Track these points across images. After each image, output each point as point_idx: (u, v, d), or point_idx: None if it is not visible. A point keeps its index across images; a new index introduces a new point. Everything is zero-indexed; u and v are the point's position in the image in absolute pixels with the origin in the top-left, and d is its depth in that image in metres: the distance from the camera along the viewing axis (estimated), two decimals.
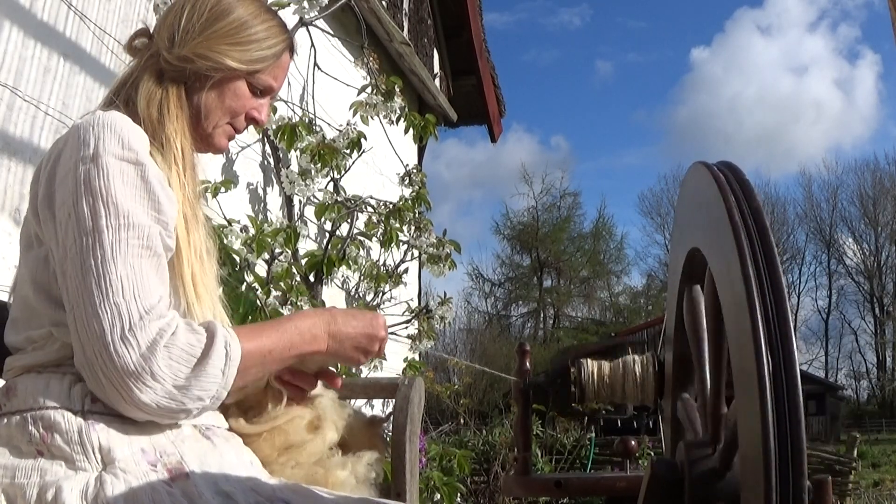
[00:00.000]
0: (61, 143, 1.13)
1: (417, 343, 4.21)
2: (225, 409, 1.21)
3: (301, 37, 3.64)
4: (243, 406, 1.24)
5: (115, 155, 1.08)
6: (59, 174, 1.09)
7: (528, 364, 1.48)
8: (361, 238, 3.87)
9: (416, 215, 4.07)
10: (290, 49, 1.31)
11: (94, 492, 0.97)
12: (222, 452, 1.10)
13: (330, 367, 1.29)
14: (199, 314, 1.14)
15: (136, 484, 0.98)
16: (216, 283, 1.22)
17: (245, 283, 3.00)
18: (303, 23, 3.49)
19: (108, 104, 1.21)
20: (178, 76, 1.21)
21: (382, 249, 4.00)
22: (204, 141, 1.26)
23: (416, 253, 4.24)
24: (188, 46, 1.21)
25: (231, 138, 1.30)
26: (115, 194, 1.05)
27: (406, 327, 4.22)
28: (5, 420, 1.07)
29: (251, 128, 1.40)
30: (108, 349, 0.99)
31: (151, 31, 1.27)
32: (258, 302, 3.02)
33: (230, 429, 1.20)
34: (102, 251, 1.03)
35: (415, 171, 4.15)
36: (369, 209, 3.90)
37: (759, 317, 0.82)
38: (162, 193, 1.10)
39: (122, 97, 1.21)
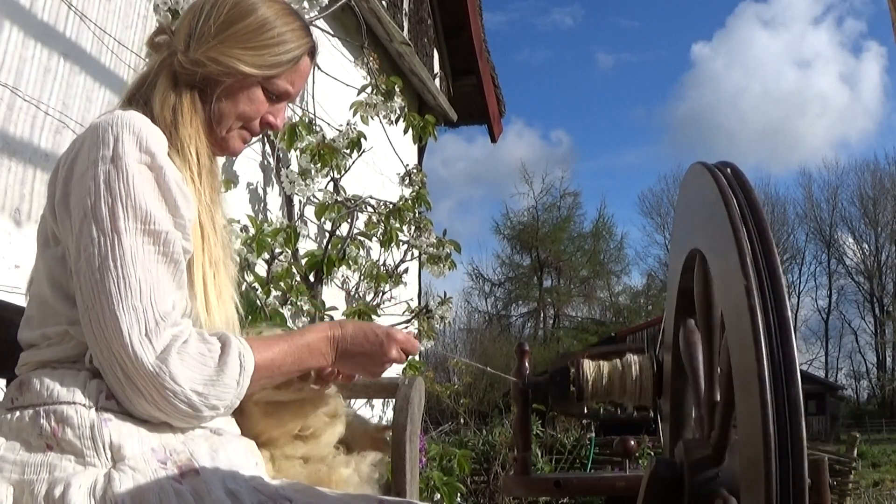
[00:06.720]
0: (79, 142, 1.13)
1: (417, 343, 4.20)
2: None
3: None
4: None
5: (135, 157, 1.08)
6: (77, 172, 1.09)
7: (527, 364, 1.48)
8: (361, 238, 3.87)
9: (416, 215, 4.07)
10: (311, 53, 1.28)
11: (102, 489, 0.97)
12: (232, 449, 1.10)
13: None
14: (210, 320, 1.15)
15: (145, 482, 0.99)
16: (233, 288, 1.23)
17: (245, 283, 3.00)
18: None
19: (128, 103, 1.21)
20: (191, 80, 1.20)
21: (382, 249, 3.99)
22: (218, 145, 1.25)
23: (416, 253, 4.24)
24: (201, 50, 1.19)
25: (246, 142, 1.29)
26: (134, 197, 1.06)
27: (406, 327, 4.22)
28: (17, 413, 1.06)
29: None
30: (126, 350, 1.00)
31: (172, 28, 1.26)
32: (258, 302, 3.02)
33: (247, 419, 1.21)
34: (122, 253, 1.03)
35: (415, 171, 4.15)
36: (369, 209, 3.90)
37: (759, 317, 0.82)
38: (180, 196, 1.10)
39: (141, 97, 1.21)
